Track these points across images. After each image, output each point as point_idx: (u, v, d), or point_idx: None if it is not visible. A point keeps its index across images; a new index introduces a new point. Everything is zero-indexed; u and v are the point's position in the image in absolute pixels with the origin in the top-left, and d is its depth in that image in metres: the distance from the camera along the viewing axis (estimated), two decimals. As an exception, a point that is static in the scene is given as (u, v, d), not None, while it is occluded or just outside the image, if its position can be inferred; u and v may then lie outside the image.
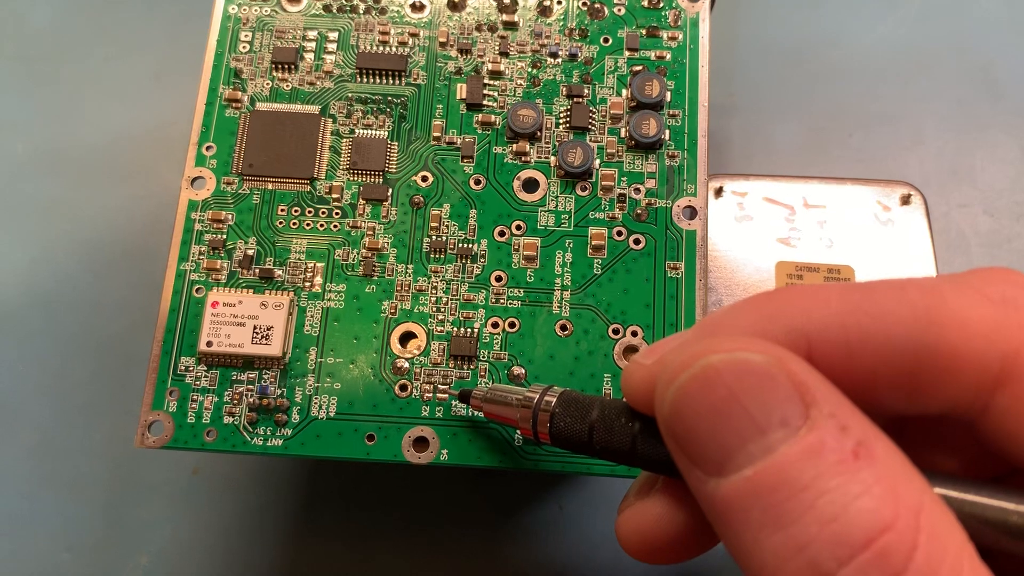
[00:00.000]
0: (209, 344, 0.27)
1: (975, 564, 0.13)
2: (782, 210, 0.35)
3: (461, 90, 0.30)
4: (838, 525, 0.13)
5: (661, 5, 0.31)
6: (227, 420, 0.27)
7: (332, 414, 0.27)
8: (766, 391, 0.15)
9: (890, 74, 0.42)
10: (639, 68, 0.30)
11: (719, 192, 0.35)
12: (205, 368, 0.27)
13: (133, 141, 0.41)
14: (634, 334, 0.27)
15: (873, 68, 0.42)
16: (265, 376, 0.27)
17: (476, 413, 0.26)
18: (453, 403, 0.27)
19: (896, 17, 0.43)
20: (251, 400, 0.27)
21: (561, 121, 0.29)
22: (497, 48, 0.30)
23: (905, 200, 0.35)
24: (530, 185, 0.29)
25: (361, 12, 0.31)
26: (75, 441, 0.35)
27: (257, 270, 0.28)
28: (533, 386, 0.22)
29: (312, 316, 0.28)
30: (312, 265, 0.28)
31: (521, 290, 0.28)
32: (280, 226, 0.29)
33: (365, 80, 0.30)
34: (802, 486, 0.14)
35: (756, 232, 0.34)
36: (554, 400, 0.21)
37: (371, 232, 0.28)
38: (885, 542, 0.13)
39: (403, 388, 0.27)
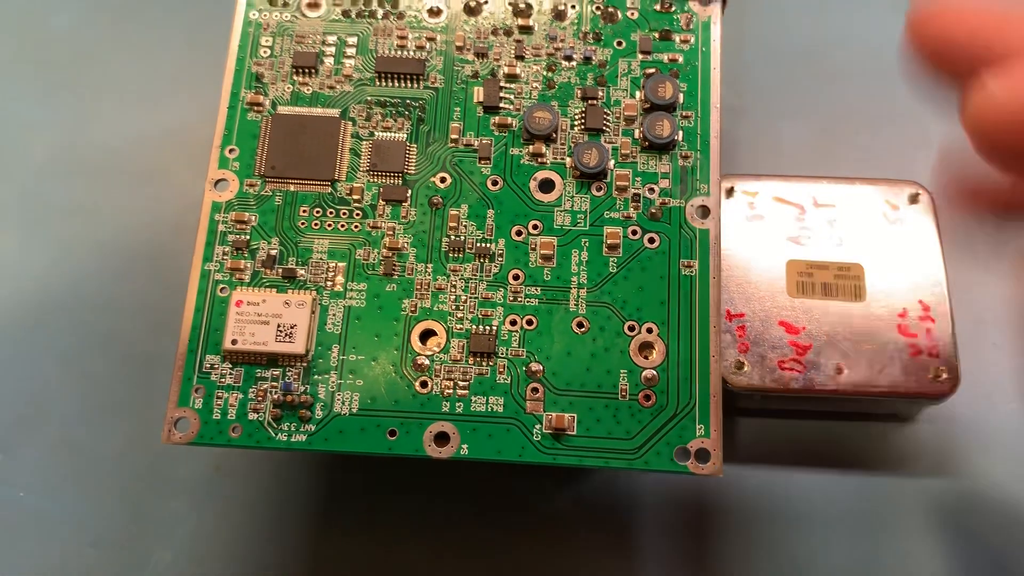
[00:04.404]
0: (234, 342, 0.27)
1: None
2: (792, 209, 0.35)
3: (478, 93, 0.30)
4: None
5: (673, 9, 0.31)
6: (252, 416, 0.27)
7: (355, 410, 0.27)
8: None
9: (898, 74, 0.42)
10: (652, 71, 0.30)
11: (730, 192, 0.35)
12: (230, 366, 0.28)
13: (152, 144, 0.42)
14: (649, 331, 0.28)
15: (881, 68, 0.42)
16: (289, 373, 0.28)
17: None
18: (478, 398, 0.27)
19: (904, 17, 0.43)
20: (275, 397, 0.27)
21: (576, 123, 0.30)
22: (513, 52, 0.31)
23: (913, 199, 0.35)
24: (546, 186, 0.30)
25: (379, 17, 0.32)
26: (98, 439, 0.36)
27: (280, 270, 0.29)
28: None
29: (334, 314, 0.28)
30: (334, 265, 0.29)
31: (538, 288, 0.28)
32: (302, 227, 0.29)
33: (384, 84, 0.31)
34: None
35: (767, 231, 0.35)
36: None
37: (391, 232, 0.29)
38: None
39: (424, 384, 0.27)
